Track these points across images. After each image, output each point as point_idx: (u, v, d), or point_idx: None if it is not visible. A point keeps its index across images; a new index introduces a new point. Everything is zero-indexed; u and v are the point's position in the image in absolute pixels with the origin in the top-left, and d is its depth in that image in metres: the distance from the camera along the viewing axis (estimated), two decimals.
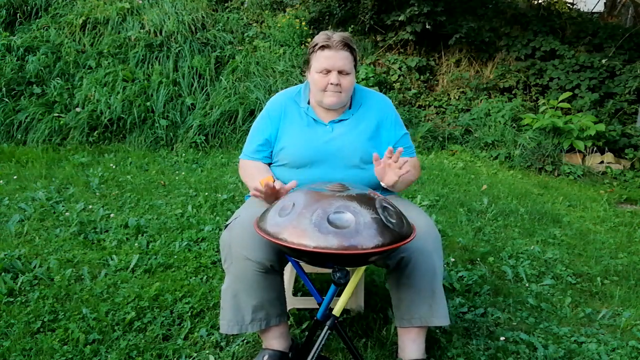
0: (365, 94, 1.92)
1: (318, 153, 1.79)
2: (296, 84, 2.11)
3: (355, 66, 1.81)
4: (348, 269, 1.44)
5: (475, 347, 1.92)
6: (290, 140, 1.83)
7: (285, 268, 1.78)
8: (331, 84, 1.75)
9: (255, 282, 1.59)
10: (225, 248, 1.62)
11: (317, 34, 1.82)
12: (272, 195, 1.60)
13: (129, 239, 2.86)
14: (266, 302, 1.63)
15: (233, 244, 1.60)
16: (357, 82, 1.92)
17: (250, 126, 1.97)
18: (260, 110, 1.98)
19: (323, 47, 1.74)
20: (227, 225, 1.70)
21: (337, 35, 1.74)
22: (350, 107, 1.87)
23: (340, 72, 1.75)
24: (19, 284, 2.28)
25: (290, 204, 1.39)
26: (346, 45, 1.74)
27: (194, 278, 2.41)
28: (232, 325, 1.63)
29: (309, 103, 1.87)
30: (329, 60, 1.73)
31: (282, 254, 1.60)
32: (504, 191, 4.14)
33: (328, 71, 1.75)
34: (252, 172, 1.84)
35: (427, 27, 6.22)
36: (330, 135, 1.82)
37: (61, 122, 5.10)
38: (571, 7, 8.05)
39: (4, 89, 5.28)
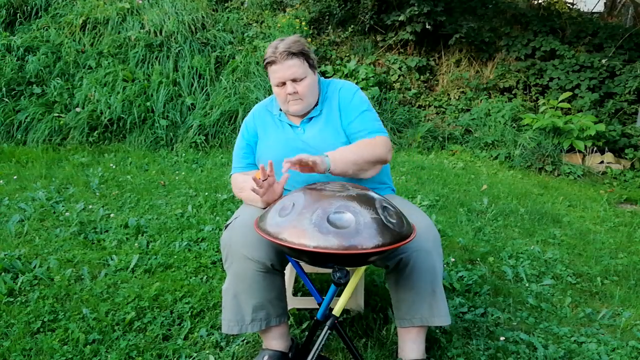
0: (330, 85, 1.90)
1: (295, 154, 1.73)
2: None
3: (311, 65, 1.79)
4: (348, 269, 1.44)
5: (475, 347, 1.92)
6: (266, 148, 1.85)
7: (285, 268, 1.78)
8: (289, 94, 1.76)
9: (256, 282, 1.59)
10: (226, 248, 1.63)
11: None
12: (269, 189, 1.60)
13: (129, 239, 2.86)
14: (267, 302, 1.63)
15: (234, 244, 1.60)
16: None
17: None
18: None
19: (270, 63, 1.75)
20: (228, 225, 1.70)
21: (282, 45, 1.73)
22: (317, 104, 1.86)
23: (294, 80, 1.75)
24: (19, 284, 2.28)
25: (290, 204, 1.39)
26: (291, 54, 1.73)
27: (194, 278, 2.41)
28: (232, 326, 1.63)
29: (280, 109, 1.88)
30: (277, 73, 1.75)
31: (283, 254, 1.60)
32: (504, 191, 4.14)
33: (283, 83, 1.76)
34: (242, 185, 1.82)
35: (427, 27, 6.22)
36: (303, 137, 1.83)
37: (61, 122, 5.10)
38: (571, 7, 8.05)
39: (4, 89, 5.28)
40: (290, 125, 1.86)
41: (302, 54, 1.76)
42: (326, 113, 1.85)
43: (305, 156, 1.56)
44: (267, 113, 1.92)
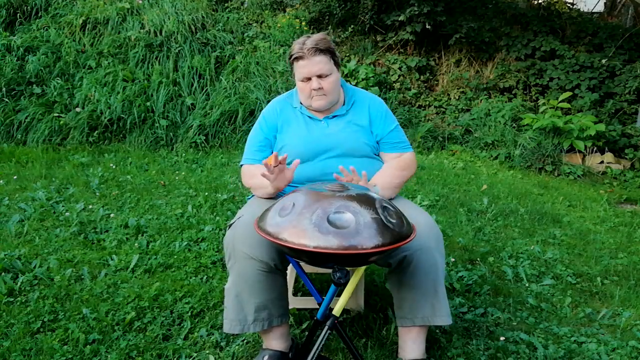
0: (356, 92, 1.99)
1: (317, 146, 1.85)
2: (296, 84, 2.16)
3: (336, 63, 1.85)
4: (348, 269, 1.44)
5: (475, 347, 1.92)
6: (289, 138, 1.89)
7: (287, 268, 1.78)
8: (313, 89, 1.81)
9: (258, 281, 1.60)
10: (229, 247, 1.63)
11: (316, 33, 1.86)
12: (281, 175, 1.67)
13: (129, 239, 2.86)
14: (269, 302, 1.63)
15: (237, 243, 1.60)
16: (356, 82, 1.98)
17: (251, 126, 2.00)
18: (260, 110, 2.03)
19: (297, 59, 1.80)
20: (231, 224, 1.71)
21: (310, 42, 1.78)
22: (343, 104, 1.93)
23: (319, 76, 1.80)
24: (19, 284, 2.28)
25: (290, 204, 1.39)
26: (318, 50, 1.77)
27: (194, 278, 2.41)
28: (234, 325, 1.63)
29: (301, 103, 1.93)
30: (305, 69, 1.79)
31: (284, 254, 1.60)
32: (504, 191, 4.14)
33: (308, 79, 1.81)
34: (253, 173, 1.87)
35: (427, 27, 6.22)
36: (326, 131, 1.89)
37: (61, 122, 5.10)
38: (571, 7, 8.05)
39: (4, 89, 5.28)
40: (312, 118, 1.91)
41: (329, 51, 1.81)
42: (352, 115, 1.91)
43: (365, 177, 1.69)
44: (288, 106, 1.95)
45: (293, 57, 1.81)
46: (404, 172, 1.91)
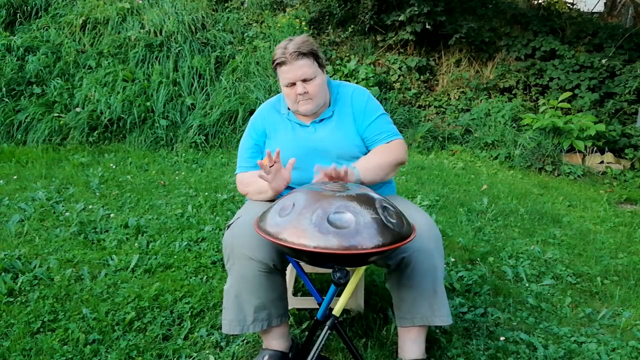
0: (341, 88, 1.92)
1: (306, 154, 1.81)
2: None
3: (320, 65, 1.80)
4: (348, 269, 1.44)
5: (475, 347, 1.92)
6: (276, 145, 1.85)
7: (286, 268, 1.78)
8: (299, 94, 1.77)
9: (258, 282, 1.59)
10: (228, 248, 1.63)
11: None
12: (278, 174, 1.65)
13: (129, 239, 2.86)
14: (268, 302, 1.63)
15: (235, 244, 1.60)
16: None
17: None
18: None
19: (280, 64, 1.76)
20: (230, 225, 1.71)
21: (292, 45, 1.73)
22: (329, 105, 1.88)
23: (304, 80, 1.76)
24: (19, 284, 2.28)
25: (290, 204, 1.39)
26: (301, 54, 1.73)
27: (194, 278, 2.41)
28: (234, 325, 1.63)
29: (289, 109, 1.89)
30: (288, 74, 1.75)
31: (284, 254, 1.60)
32: (504, 191, 4.14)
33: (293, 84, 1.77)
34: (248, 181, 1.85)
35: (427, 27, 6.22)
36: (314, 136, 1.84)
37: (61, 122, 5.10)
38: (571, 7, 8.05)
39: (4, 89, 5.28)
40: (300, 124, 1.87)
41: (312, 54, 1.76)
42: (338, 115, 1.86)
43: (336, 167, 1.58)
44: (275, 112, 1.91)
45: (276, 62, 1.77)
46: (386, 156, 1.80)
